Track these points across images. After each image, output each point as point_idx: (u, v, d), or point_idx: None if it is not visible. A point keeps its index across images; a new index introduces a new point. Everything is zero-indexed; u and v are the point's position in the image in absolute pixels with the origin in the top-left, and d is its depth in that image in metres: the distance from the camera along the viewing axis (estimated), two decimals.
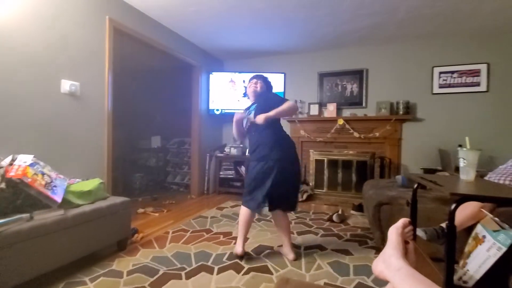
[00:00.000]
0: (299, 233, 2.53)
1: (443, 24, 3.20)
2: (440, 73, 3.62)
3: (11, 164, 1.61)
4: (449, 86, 3.59)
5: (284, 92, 4.36)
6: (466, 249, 1.23)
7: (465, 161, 1.33)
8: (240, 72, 4.33)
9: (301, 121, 4.18)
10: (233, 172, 4.34)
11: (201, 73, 4.14)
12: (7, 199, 1.52)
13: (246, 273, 1.78)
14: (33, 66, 1.99)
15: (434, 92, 3.65)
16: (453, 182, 1.31)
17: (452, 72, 3.57)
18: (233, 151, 4.37)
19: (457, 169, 2.37)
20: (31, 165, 1.61)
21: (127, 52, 3.74)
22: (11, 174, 1.51)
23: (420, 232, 1.59)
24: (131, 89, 5.02)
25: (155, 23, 3.19)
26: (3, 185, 1.49)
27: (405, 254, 0.58)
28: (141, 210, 3.22)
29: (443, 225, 1.62)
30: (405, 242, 0.62)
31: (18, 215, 1.48)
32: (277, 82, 4.32)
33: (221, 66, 4.77)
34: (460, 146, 2.93)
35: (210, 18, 3.14)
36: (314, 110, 4.16)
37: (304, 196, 3.82)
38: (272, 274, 1.78)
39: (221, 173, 4.37)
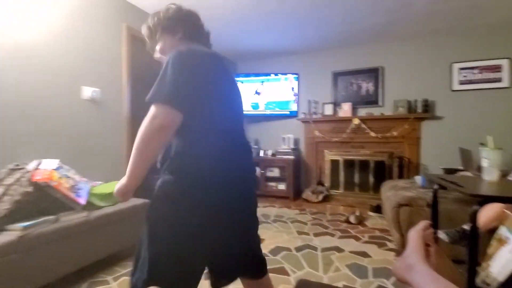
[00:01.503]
0: (316, 235, 2.51)
1: (461, 19, 3.10)
2: (460, 69, 3.50)
3: (37, 168, 1.69)
4: (470, 82, 3.46)
5: (298, 93, 4.35)
6: (489, 250, 1.19)
7: (488, 160, 1.28)
8: (247, 76, 4.37)
9: (316, 121, 4.15)
10: None
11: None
12: (33, 202, 1.60)
13: None
14: (56, 74, 2.09)
15: (454, 89, 3.53)
16: (475, 182, 1.27)
17: (473, 68, 3.44)
18: None
19: (479, 168, 2.28)
20: (57, 169, 1.69)
21: (144, 57, 3.85)
22: (38, 178, 1.59)
23: (441, 234, 1.55)
24: (147, 94, 5.15)
25: None
26: (30, 189, 1.57)
27: (427, 257, 0.57)
28: None
29: (466, 226, 1.56)
30: (426, 245, 0.61)
31: (44, 218, 1.56)
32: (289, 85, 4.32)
33: (234, 67, 4.81)
34: (482, 144, 2.82)
35: (223, 22, 3.18)
36: (329, 110, 4.12)
37: (320, 197, 3.78)
38: (289, 275, 1.77)
39: None
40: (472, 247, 0.96)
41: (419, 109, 3.57)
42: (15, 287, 1.38)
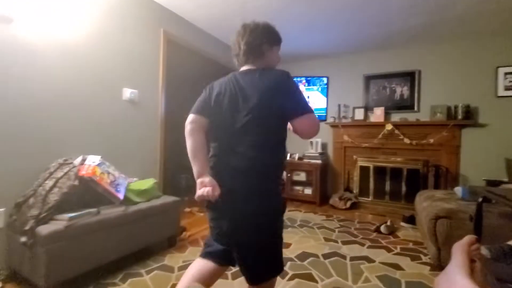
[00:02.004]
0: (344, 243, 2.44)
1: (509, 20, 2.87)
2: (506, 73, 3.24)
3: (82, 163, 1.82)
4: None
5: (327, 96, 4.28)
6: None
7: None
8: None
9: (345, 126, 4.05)
10: None
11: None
12: (78, 195, 1.73)
13: (291, 279, 1.77)
14: (100, 76, 2.24)
15: (499, 95, 3.28)
16: None
17: None
18: None
19: None
20: (99, 165, 1.80)
21: (178, 60, 4.00)
22: (83, 172, 1.71)
23: (484, 250, 1.43)
24: (181, 95, 5.35)
25: (204, 33, 3.37)
26: (76, 182, 1.69)
27: (471, 273, 0.54)
28: (187, 209, 3.40)
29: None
30: (471, 261, 0.58)
31: (87, 210, 1.67)
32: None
33: None
34: None
35: None
36: (360, 114, 4.00)
37: (348, 204, 3.68)
38: (317, 282, 1.74)
39: None
40: None
41: (460, 116, 3.35)
42: (61, 272, 1.49)
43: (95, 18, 2.19)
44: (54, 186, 1.60)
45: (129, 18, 2.45)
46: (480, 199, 1.42)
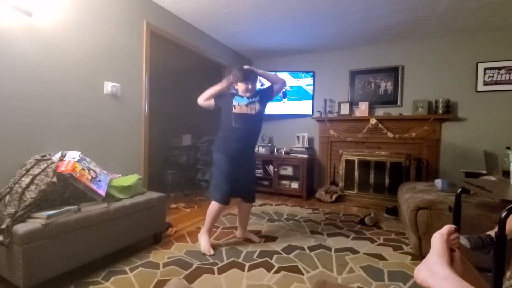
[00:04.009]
0: (329, 235, 2.48)
1: (489, 17, 2.96)
2: (486, 69, 3.36)
3: (61, 159, 1.75)
4: (496, 83, 3.31)
5: (313, 91, 4.31)
6: None
7: None
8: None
9: (331, 120, 4.10)
10: (261, 171, 4.37)
11: (234, 67, 4.20)
12: (57, 192, 1.66)
13: (277, 272, 1.79)
14: (79, 69, 2.15)
15: (479, 89, 3.39)
16: (503, 188, 1.21)
17: (499, 68, 3.29)
18: (262, 150, 4.40)
19: (505, 173, 2.18)
20: (79, 161, 1.74)
21: (161, 53, 3.91)
22: (62, 169, 1.65)
23: (463, 240, 1.49)
24: (165, 89, 5.24)
25: (188, 26, 3.29)
26: (54, 179, 1.62)
27: (451, 262, 0.55)
28: (173, 206, 3.35)
29: (490, 233, 1.50)
30: (451, 250, 0.59)
31: (66, 207, 1.62)
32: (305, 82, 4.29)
33: (250, 65, 4.80)
34: (508, 148, 2.70)
35: (240, 19, 3.17)
36: (345, 109, 4.05)
37: (333, 197, 3.74)
38: (303, 274, 1.77)
39: None
40: (499, 255, 0.92)
41: (440, 110, 3.45)
42: (40, 272, 1.44)
43: (73, 6, 2.09)
44: (31, 183, 1.53)
45: (110, 7, 2.36)
46: (459, 190, 1.47)
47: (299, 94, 4.36)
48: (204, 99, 2.24)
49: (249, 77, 2.16)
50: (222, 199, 2.12)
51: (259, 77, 2.27)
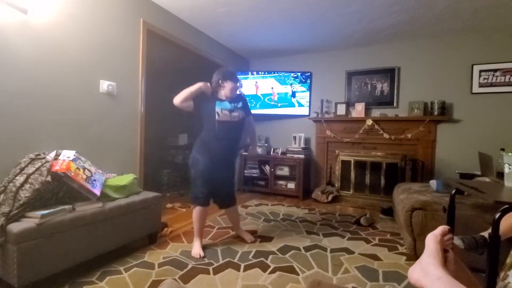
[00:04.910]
0: (325, 235, 2.49)
1: (485, 19, 2.99)
2: (481, 71, 3.39)
3: (55, 158, 1.74)
4: (491, 85, 3.35)
5: (310, 92, 4.32)
6: (508, 260, 1.15)
7: (510, 167, 1.24)
8: (263, 77, 4.37)
9: (327, 121, 4.11)
10: (257, 171, 4.37)
11: (220, 67, 4.20)
12: (51, 191, 1.65)
13: (272, 272, 1.79)
14: (75, 67, 2.14)
15: (474, 91, 3.42)
16: (497, 189, 1.23)
17: (495, 70, 3.33)
18: (258, 150, 4.40)
19: (499, 174, 2.21)
20: (74, 160, 1.73)
21: (158, 52, 3.89)
22: (56, 168, 1.63)
23: (457, 241, 1.51)
24: (162, 88, 5.22)
25: (185, 24, 3.28)
26: (49, 178, 1.61)
27: (444, 263, 0.56)
28: (169, 205, 3.34)
29: (484, 234, 1.52)
30: (444, 251, 0.59)
31: (61, 206, 1.60)
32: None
33: (247, 65, 4.80)
34: (502, 150, 2.73)
35: (238, 19, 3.17)
36: (341, 110, 4.07)
37: (330, 197, 3.75)
38: (298, 275, 1.77)
39: (245, 171, 4.41)
40: (492, 256, 0.93)
41: (436, 112, 3.48)
42: (34, 271, 1.43)
43: (69, 4, 2.07)
44: (25, 182, 1.51)
45: (106, 5, 2.34)
46: (453, 191, 1.48)
47: (286, 101, 4.38)
48: (181, 100, 2.04)
49: (237, 76, 2.18)
50: (203, 202, 2.10)
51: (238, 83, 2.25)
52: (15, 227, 1.38)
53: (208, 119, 2.11)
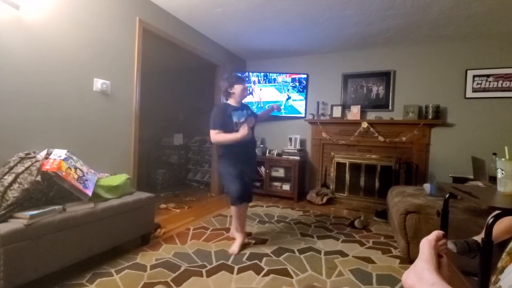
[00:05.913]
0: (319, 237, 2.49)
1: (478, 25, 3.03)
2: (474, 76, 3.43)
3: (46, 157, 1.70)
4: (484, 90, 3.39)
5: (306, 93, 4.33)
6: (500, 264, 1.16)
7: (503, 172, 1.25)
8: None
9: (323, 123, 4.12)
10: None
11: (224, 72, 4.19)
12: (41, 191, 1.61)
13: (266, 274, 1.78)
14: (68, 65, 2.10)
15: (467, 96, 3.46)
16: (490, 194, 1.23)
17: (488, 76, 3.37)
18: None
19: (491, 179, 2.23)
20: (65, 159, 1.69)
21: (153, 51, 3.86)
22: (47, 167, 1.60)
23: (450, 244, 1.51)
24: (157, 88, 5.18)
25: (182, 24, 3.26)
26: (38, 178, 1.57)
27: (438, 268, 0.55)
28: (163, 206, 3.31)
29: (476, 238, 1.53)
30: (438, 256, 0.59)
31: (51, 207, 1.57)
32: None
33: (244, 65, 4.79)
34: (494, 154, 2.76)
35: (235, 19, 3.16)
36: (337, 112, 4.08)
37: (324, 199, 3.76)
38: (292, 277, 1.76)
39: None
40: (485, 261, 0.93)
41: (430, 115, 3.51)
42: (22, 274, 1.39)
43: (64, 5, 2.04)
44: (14, 181, 1.48)
45: (101, 2, 2.31)
46: (447, 196, 1.49)
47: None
48: (219, 142, 2.22)
49: (242, 77, 2.29)
50: (241, 201, 2.20)
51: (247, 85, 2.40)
52: (3, 228, 1.34)
53: (229, 129, 2.18)
